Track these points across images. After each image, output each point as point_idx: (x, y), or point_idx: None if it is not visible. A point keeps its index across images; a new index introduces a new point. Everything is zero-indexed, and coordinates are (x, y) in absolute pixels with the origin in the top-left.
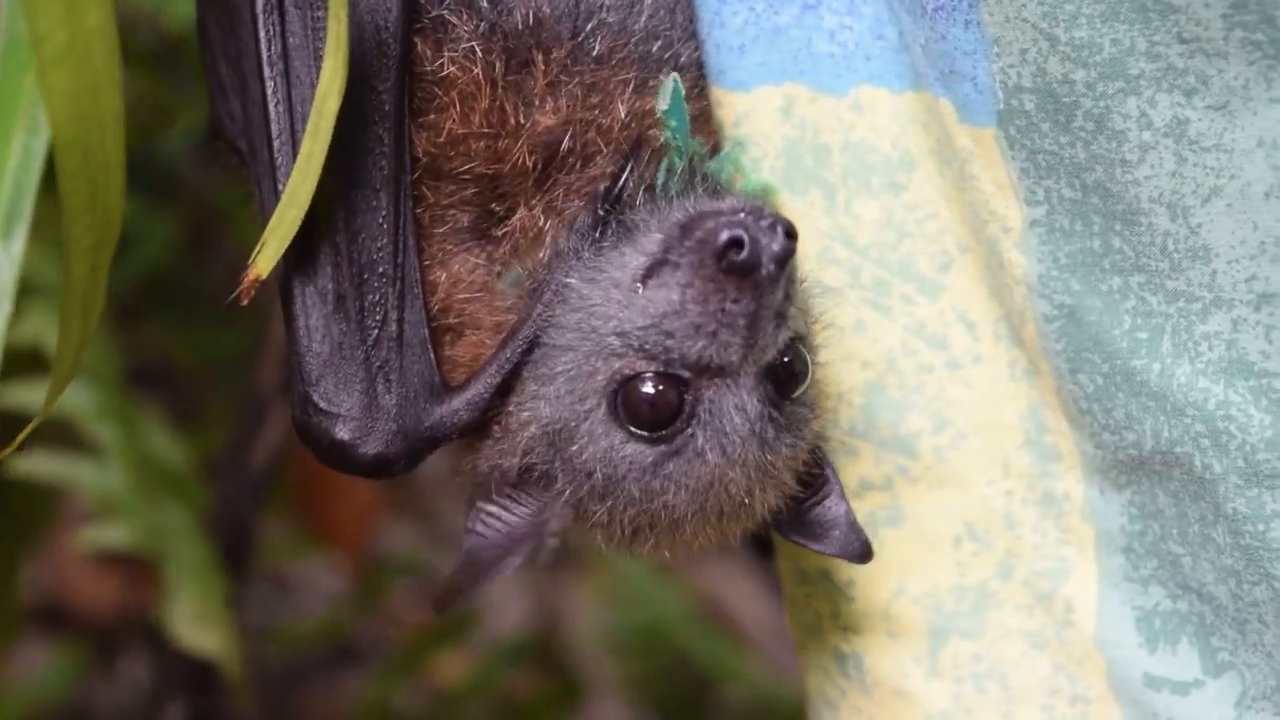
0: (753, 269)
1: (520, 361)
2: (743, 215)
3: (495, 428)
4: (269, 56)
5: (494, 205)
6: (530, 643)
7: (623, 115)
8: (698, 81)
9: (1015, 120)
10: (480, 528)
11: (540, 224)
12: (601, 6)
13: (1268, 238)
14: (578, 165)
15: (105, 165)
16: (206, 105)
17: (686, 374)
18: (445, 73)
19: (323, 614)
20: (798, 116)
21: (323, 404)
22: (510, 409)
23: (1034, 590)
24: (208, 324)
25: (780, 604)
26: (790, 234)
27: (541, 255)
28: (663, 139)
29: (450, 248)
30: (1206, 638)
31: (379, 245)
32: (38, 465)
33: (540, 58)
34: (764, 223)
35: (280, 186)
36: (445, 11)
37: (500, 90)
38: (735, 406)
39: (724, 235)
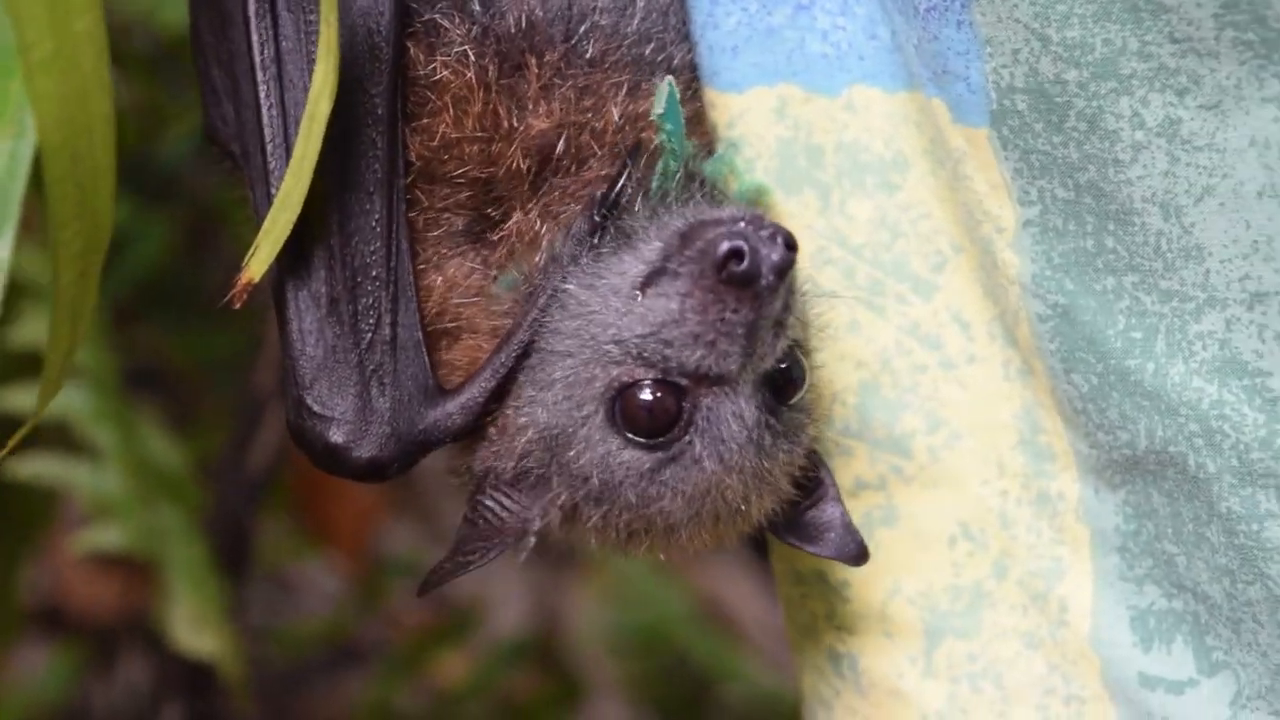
0: (752, 280)
1: (516, 366)
2: (743, 225)
3: (491, 431)
4: (261, 60)
5: (489, 209)
6: (530, 643)
7: (616, 118)
8: (691, 83)
9: (1008, 120)
10: (474, 518)
11: (536, 228)
12: (594, 9)
13: (1260, 237)
14: (572, 169)
15: (94, 170)
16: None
17: (685, 382)
18: (438, 76)
19: (323, 615)
20: (791, 117)
21: (316, 407)
22: (507, 413)
23: (1029, 590)
24: (205, 326)
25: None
26: (790, 245)
27: (537, 259)
28: (658, 142)
29: (445, 251)
30: (1201, 637)
31: (372, 249)
32: (36, 468)
33: (533, 61)
34: (764, 233)
35: (273, 190)
36: (437, 15)
37: (493, 94)
38: (733, 414)
39: (724, 246)
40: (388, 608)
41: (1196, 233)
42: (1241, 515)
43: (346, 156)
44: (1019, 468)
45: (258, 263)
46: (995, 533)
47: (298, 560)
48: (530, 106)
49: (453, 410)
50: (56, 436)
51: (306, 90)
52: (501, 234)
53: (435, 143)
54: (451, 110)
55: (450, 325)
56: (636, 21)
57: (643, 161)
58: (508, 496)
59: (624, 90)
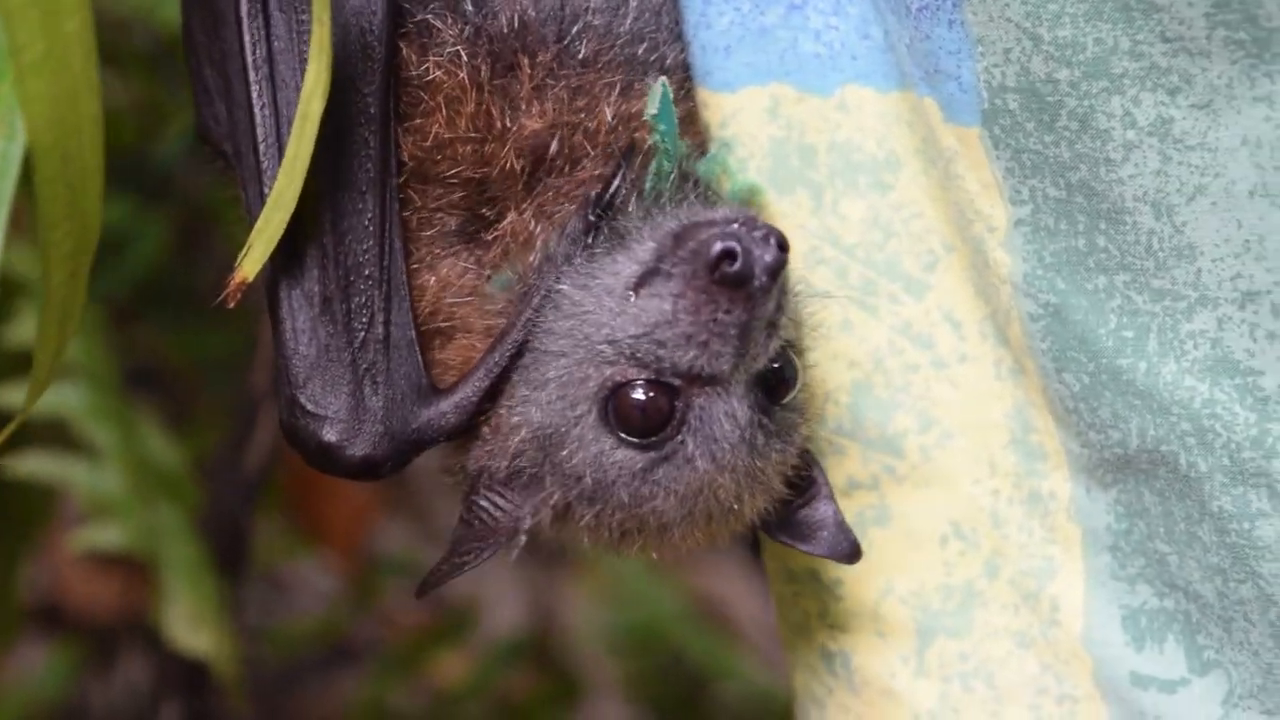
0: (745, 281)
1: (510, 366)
2: (736, 226)
3: (485, 430)
4: (254, 60)
5: (483, 209)
6: (527, 642)
7: (609, 118)
8: (684, 83)
9: (1000, 119)
10: (469, 519)
11: (530, 228)
12: (587, 9)
13: (1252, 236)
14: (565, 169)
15: (83, 171)
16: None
17: (678, 382)
18: (430, 77)
19: (319, 614)
20: (784, 117)
21: (309, 406)
22: (500, 412)
23: (1020, 589)
24: (202, 325)
25: None
26: (783, 245)
27: (531, 259)
28: (651, 142)
29: (439, 251)
30: (1193, 636)
31: (365, 248)
32: (34, 466)
33: (526, 61)
34: (757, 234)
35: (266, 190)
36: (430, 16)
37: (486, 94)
38: (726, 414)
39: (717, 247)
40: (383, 607)
41: (1188, 232)
42: (1233, 514)
43: (339, 156)
44: (1011, 467)
45: (251, 262)
46: (987, 532)
47: (293, 559)
48: (523, 107)
49: (446, 409)
50: (55, 435)
51: (299, 90)
52: (495, 234)
53: (428, 143)
54: (444, 110)
55: (444, 325)
56: (629, 21)
57: (636, 162)
58: (501, 496)
59: (617, 90)
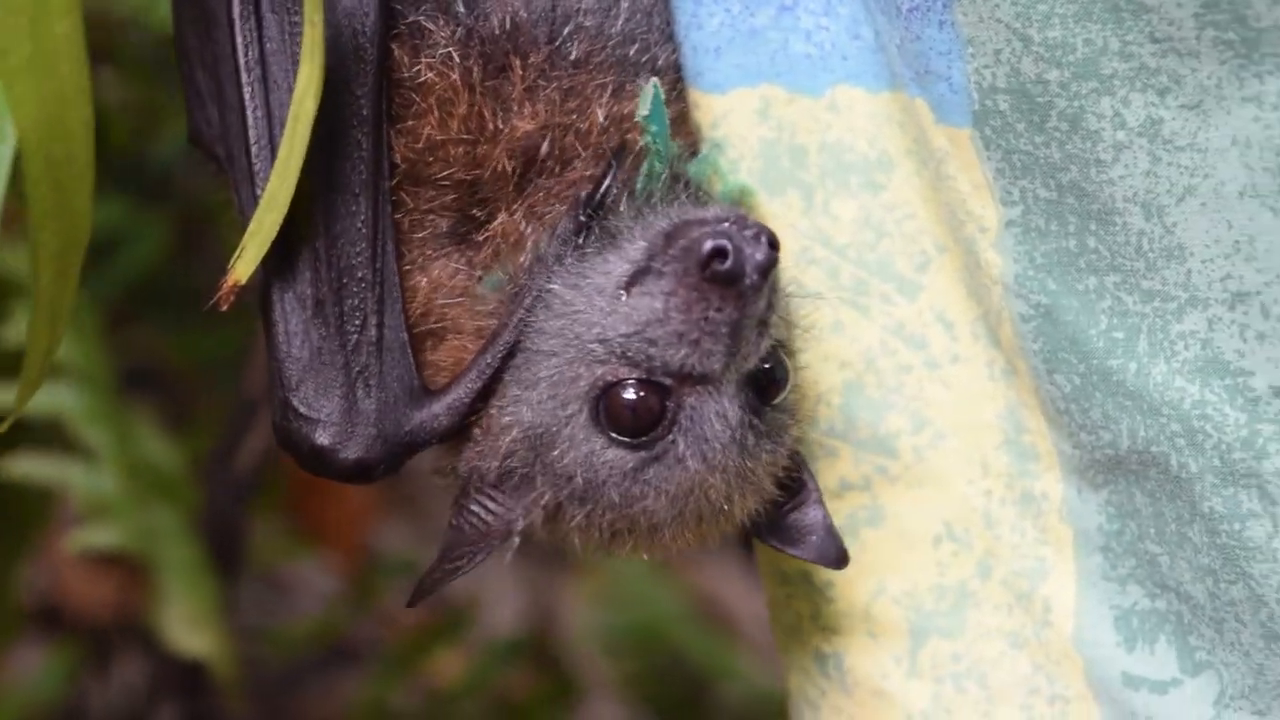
0: (736, 279)
1: (501, 366)
2: (727, 225)
3: (476, 431)
4: (246, 62)
5: (474, 210)
6: (526, 642)
7: (601, 119)
8: (675, 84)
9: (990, 120)
10: (459, 523)
11: (521, 229)
12: (578, 10)
13: (1242, 236)
14: (557, 169)
15: (73, 172)
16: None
17: (669, 381)
18: (423, 79)
19: (318, 614)
20: (775, 118)
21: (302, 409)
22: (492, 413)
23: (1013, 590)
24: (200, 326)
25: None
26: (774, 244)
27: (523, 260)
28: (642, 143)
29: (430, 253)
30: (1184, 636)
31: (358, 250)
32: (30, 468)
33: (517, 63)
34: (748, 232)
35: (259, 192)
36: (421, 18)
37: (478, 96)
38: (716, 413)
39: (708, 245)
40: (382, 607)
41: (1178, 233)
42: (1224, 515)
43: (331, 158)
44: (1003, 468)
45: (244, 264)
46: (979, 533)
47: (291, 560)
48: (515, 108)
49: (439, 411)
50: (51, 436)
51: (291, 92)
52: (486, 235)
53: (420, 144)
54: (436, 112)
55: (436, 326)
56: (621, 23)
57: (627, 162)
58: (492, 499)
59: (609, 91)
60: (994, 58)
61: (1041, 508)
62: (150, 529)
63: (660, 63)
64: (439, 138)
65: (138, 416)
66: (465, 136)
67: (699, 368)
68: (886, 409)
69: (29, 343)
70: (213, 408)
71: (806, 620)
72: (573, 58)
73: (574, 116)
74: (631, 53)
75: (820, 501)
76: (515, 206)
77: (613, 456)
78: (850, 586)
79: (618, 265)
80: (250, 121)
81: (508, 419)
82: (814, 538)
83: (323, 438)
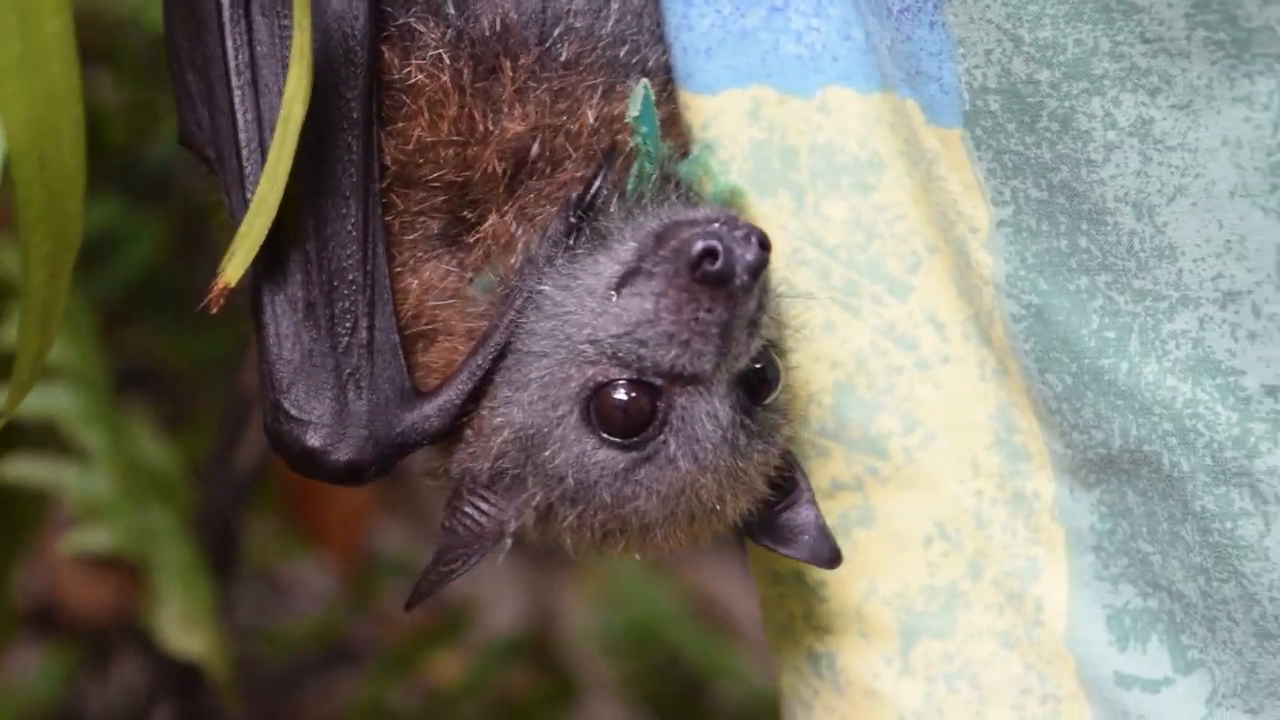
0: (726, 280)
1: (492, 367)
2: (717, 225)
3: (468, 432)
4: (236, 65)
5: (465, 212)
6: (524, 642)
7: (591, 120)
8: (665, 85)
9: (981, 121)
10: (453, 525)
11: (512, 230)
12: (569, 12)
13: (1232, 236)
14: (547, 171)
15: (63, 173)
16: None
17: (659, 382)
18: (413, 80)
19: (317, 615)
20: (765, 119)
21: (294, 411)
22: (483, 414)
23: (1004, 590)
24: (197, 326)
25: None
26: (764, 244)
27: (513, 261)
28: (633, 144)
29: (421, 254)
30: (1176, 635)
31: (348, 252)
32: (25, 470)
33: (508, 64)
34: (738, 233)
35: (249, 194)
36: (412, 19)
37: (468, 97)
38: (707, 414)
39: (698, 245)
40: (380, 607)
41: (1169, 232)
42: (1215, 514)
43: (322, 161)
44: (994, 468)
45: (234, 267)
46: (971, 533)
47: (290, 560)
48: (505, 109)
49: (430, 413)
50: (47, 438)
51: (281, 95)
52: (477, 236)
53: (410, 146)
54: (427, 114)
55: (427, 328)
56: (611, 24)
57: (618, 163)
58: (484, 500)
59: (599, 93)
60: (985, 58)
61: (1033, 507)
62: (145, 530)
63: (650, 64)
64: (429, 139)
65: (134, 417)
66: (455, 138)
67: (689, 368)
68: (878, 409)
69: (20, 345)
70: (210, 408)
71: (799, 620)
72: (563, 59)
73: (564, 118)
74: (622, 54)
75: (812, 501)
76: (506, 208)
77: (604, 457)
78: (842, 586)
79: (608, 266)
80: (240, 124)
81: (499, 420)
82: (806, 537)
83: (314, 439)
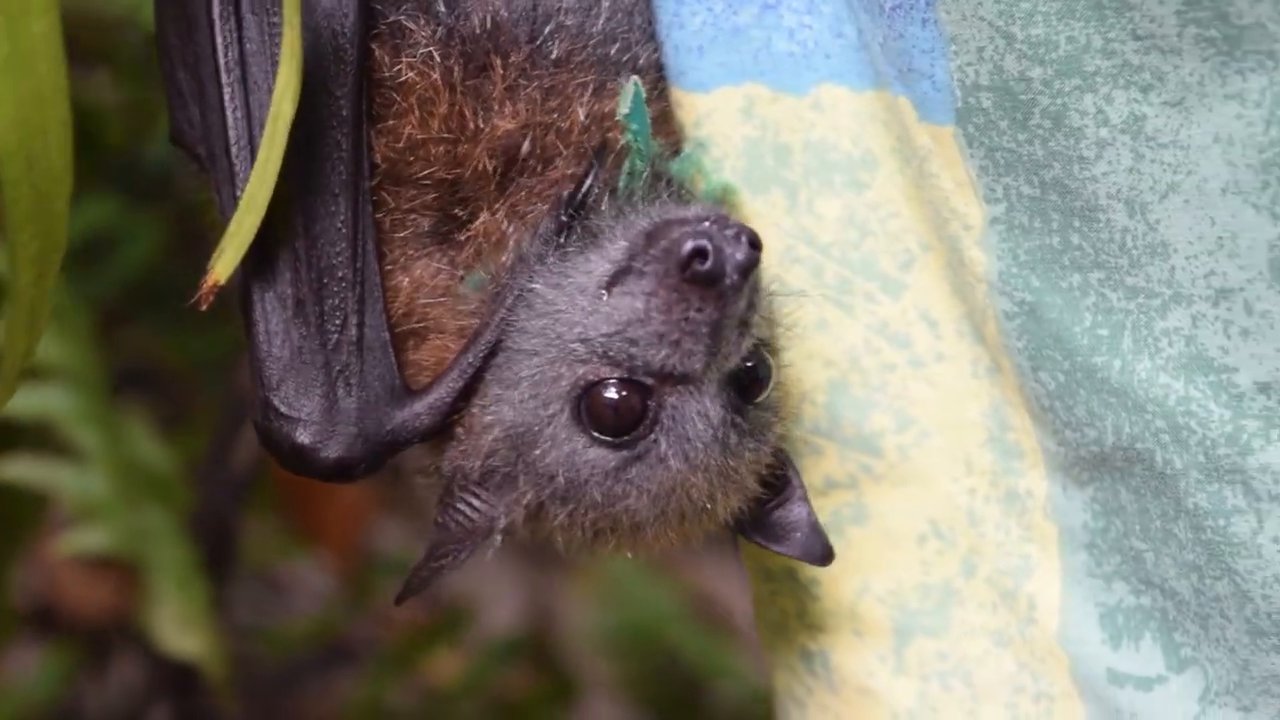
0: (716, 279)
1: (483, 365)
2: (707, 225)
3: (459, 430)
4: (226, 63)
5: (455, 210)
6: (523, 641)
7: (582, 118)
8: (657, 83)
9: (973, 118)
10: (444, 522)
11: (503, 228)
12: (559, 10)
13: (1225, 233)
14: (538, 169)
15: (51, 173)
16: None
17: (650, 380)
18: (403, 78)
19: (315, 614)
20: (758, 116)
21: (283, 408)
22: (474, 412)
23: (997, 588)
24: (195, 326)
25: None
26: (755, 244)
27: (504, 259)
28: (623, 142)
29: (412, 252)
30: (1169, 633)
31: (338, 250)
32: (20, 470)
33: (498, 62)
34: (729, 232)
35: (239, 192)
36: (402, 17)
37: (459, 95)
38: (698, 413)
39: (688, 245)
40: (378, 606)
41: (1161, 229)
42: (1208, 511)
43: (311, 159)
44: (987, 465)
45: (223, 265)
46: (964, 530)
47: (287, 559)
48: (496, 107)
49: (420, 410)
50: (44, 439)
51: (271, 92)
52: (468, 234)
53: (401, 144)
54: (417, 112)
55: (417, 326)
56: (601, 21)
57: (609, 161)
58: (475, 497)
59: (589, 90)
60: (977, 55)
61: (1026, 505)
62: (141, 530)
63: (641, 62)
64: (420, 137)
65: (131, 417)
66: (446, 136)
67: (680, 367)
68: (871, 407)
69: (6, 345)
70: (208, 407)
71: (792, 618)
72: (554, 57)
73: (555, 115)
74: (613, 52)
75: (805, 498)
76: (497, 206)
77: (595, 456)
78: (835, 584)
79: (599, 265)
80: (230, 122)
81: (490, 418)
82: (798, 534)
83: (303, 437)
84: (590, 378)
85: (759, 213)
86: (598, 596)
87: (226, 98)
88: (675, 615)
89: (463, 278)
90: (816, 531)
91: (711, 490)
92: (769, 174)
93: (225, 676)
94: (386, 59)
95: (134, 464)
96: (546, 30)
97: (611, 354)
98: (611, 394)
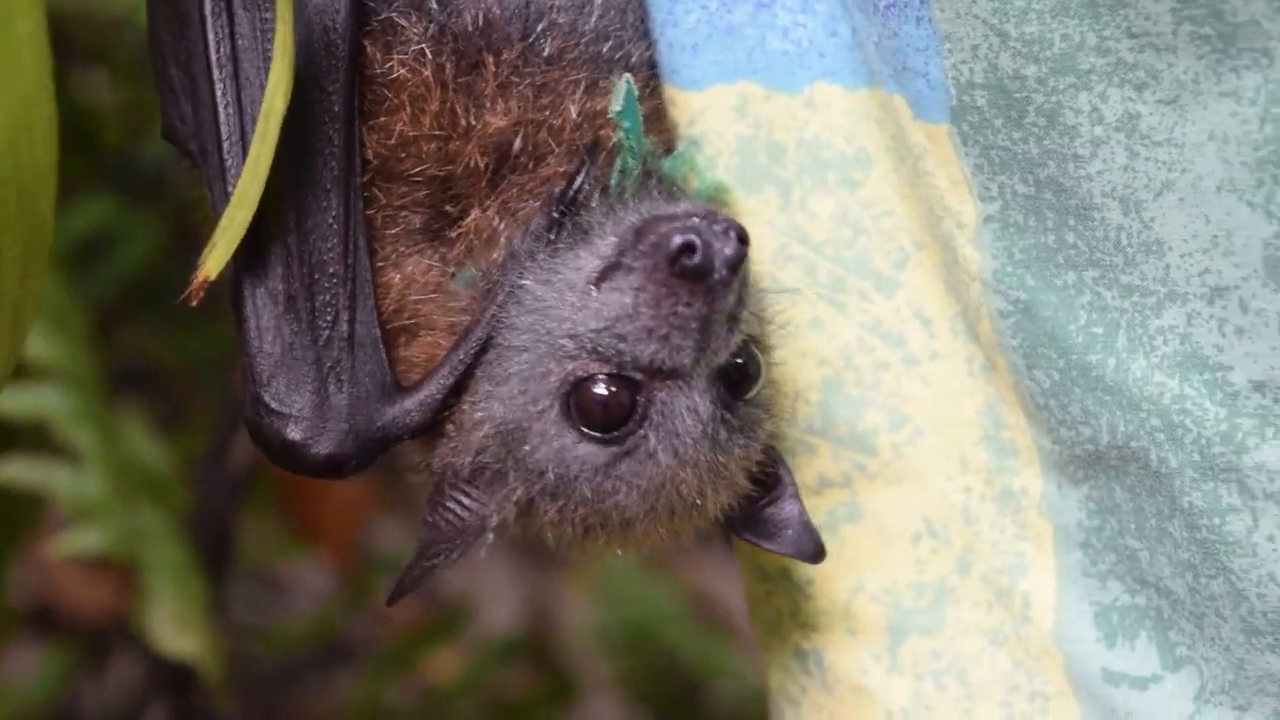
0: (705, 274)
1: (474, 362)
2: (696, 220)
3: (449, 427)
4: (218, 59)
5: (447, 206)
6: (522, 640)
7: (574, 116)
8: (650, 80)
9: (968, 116)
10: (435, 520)
11: (494, 225)
12: (552, 7)
13: (1219, 231)
14: (530, 166)
15: (36, 173)
16: None
17: (639, 376)
18: (395, 75)
19: (313, 613)
20: (752, 115)
21: (274, 404)
22: (464, 408)
23: (992, 586)
24: (191, 326)
25: None
26: (743, 239)
27: (495, 256)
28: (615, 140)
29: (403, 249)
30: (1164, 632)
31: (329, 246)
32: (18, 471)
33: (490, 59)
34: (717, 227)
35: (230, 188)
36: (394, 14)
37: (451, 92)
38: (687, 408)
39: (676, 240)
40: (376, 605)
41: (1156, 228)
42: (1203, 510)
43: (303, 154)
44: (982, 464)
45: (214, 260)
46: (959, 529)
47: (285, 558)
48: (488, 104)
49: (411, 407)
50: (41, 439)
51: (263, 88)
52: (459, 231)
53: (393, 141)
54: (409, 108)
55: (408, 322)
56: (594, 19)
57: (600, 159)
58: (466, 494)
59: (582, 88)
60: (971, 53)
61: (1021, 504)
62: (138, 530)
63: (634, 59)
64: (411, 134)
65: (128, 417)
66: (437, 132)
67: (669, 363)
68: (865, 406)
69: None
70: (205, 407)
71: (786, 617)
72: (546, 54)
73: (547, 113)
74: (605, 49)
75: (796, 495)
76: (488, 203)
77: (584, 452)
78: (829, 583)
79: (588, 261)
80: (222, 118)
81: (480, 415)
82: (790, 532)
83: (294, 433)
84: (579, 373)
85: (752, 211)
86: (596, 596)
87: (218, 93)
88: (674, 615)
89: (454, 274)
90: (808, 528)
91: (701, 486)
92: (762, 172)
93: (223, 676)
94: (378, 55)
95: (131, 464)
96: (539, 28)
97: (600, 349)
98: (600, 390)
